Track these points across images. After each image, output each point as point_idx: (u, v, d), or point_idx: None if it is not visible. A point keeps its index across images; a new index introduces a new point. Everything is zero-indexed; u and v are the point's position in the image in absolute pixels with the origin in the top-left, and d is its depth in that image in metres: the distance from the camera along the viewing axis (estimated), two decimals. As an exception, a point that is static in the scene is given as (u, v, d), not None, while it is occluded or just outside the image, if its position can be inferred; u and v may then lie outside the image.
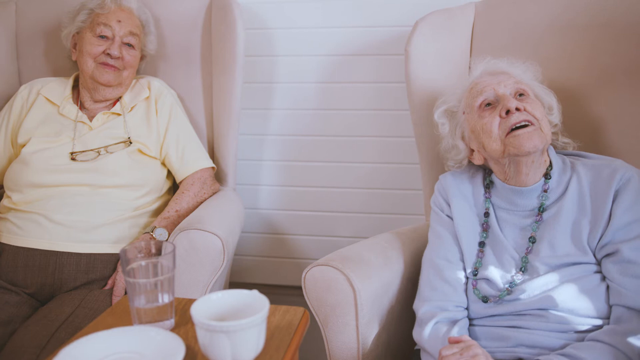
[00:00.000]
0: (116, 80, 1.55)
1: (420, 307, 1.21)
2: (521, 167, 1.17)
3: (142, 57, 1.67)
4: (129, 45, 1.57)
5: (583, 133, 1.34)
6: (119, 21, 1.56)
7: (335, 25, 1.81)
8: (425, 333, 1.16)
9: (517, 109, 1.15)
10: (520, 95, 1.20)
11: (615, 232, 1.10)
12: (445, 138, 1.31)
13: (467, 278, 1.22)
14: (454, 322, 1.16)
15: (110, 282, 1.41)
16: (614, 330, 1.03)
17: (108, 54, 1.54)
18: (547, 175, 1.19)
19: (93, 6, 1.58)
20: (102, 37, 1.55)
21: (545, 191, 1.18)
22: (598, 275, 1.12)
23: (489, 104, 1.20)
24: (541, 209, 1.18)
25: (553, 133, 1.25)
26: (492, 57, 1.30)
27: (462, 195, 1.27)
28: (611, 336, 1.02)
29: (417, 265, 1.33)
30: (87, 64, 1.54)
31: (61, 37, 1.64)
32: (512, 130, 1.15)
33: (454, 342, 1.03)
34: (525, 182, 1.19)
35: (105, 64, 1.54)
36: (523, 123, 1.14)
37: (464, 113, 1.26)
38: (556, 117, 1.25)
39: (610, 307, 1.09)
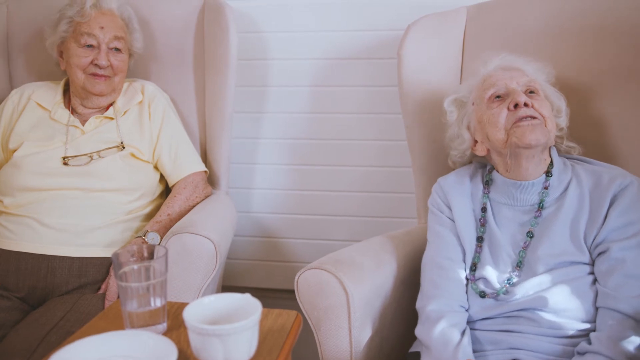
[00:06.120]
0: (109, 88, 1.54)
1: (427, 304, 1.19)
2: (521, 161, 1.20)
3: (130, 56, 1.64)
4: (116, 49, 1.55)
5: (575, 134, 1.35)
6: (102, 27, 1.52)
7: (328, 29, 1.81)
8: (434, 332, 1.14)
9: (526, 104, 1.18)
10: (531, 92, 1.22)
11: (608, 233, 1.11)
12: (452, 126, 1.33)
13: (467, 279, 1.22)
14: (462, 331, 1.15)
15: (103, 286, 1.40)
16: (599, 338, 1.04)
17: (96, 65, 1.51)
18: (548, 173, 1.21)
19: (72, 14, 1.53)
20: (87, 46, 1.52)
21: (545, 188, 1.20)
22: (591, 277, 1.12)
23: (499, 97, 1.23)
24: (541, 205, 1.19)
25: (558, 137, 1.27)
26: (508, 53, 1.31)
27: (461, 195, 1.27)
28: (598, 345, 1.03)
29: (410, 268, 1.34)
30: (76, 76, 1.52)
31: (46, 46, 1.60)
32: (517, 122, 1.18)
33: None
34: (526, 176, 1.21)
35: (95, 75, 1.51)
36: (529, 119, 1.17)
37: (473, 104, 1.28)
38: (563, 121, 1.28)
39: (597, 309, 1.09)
